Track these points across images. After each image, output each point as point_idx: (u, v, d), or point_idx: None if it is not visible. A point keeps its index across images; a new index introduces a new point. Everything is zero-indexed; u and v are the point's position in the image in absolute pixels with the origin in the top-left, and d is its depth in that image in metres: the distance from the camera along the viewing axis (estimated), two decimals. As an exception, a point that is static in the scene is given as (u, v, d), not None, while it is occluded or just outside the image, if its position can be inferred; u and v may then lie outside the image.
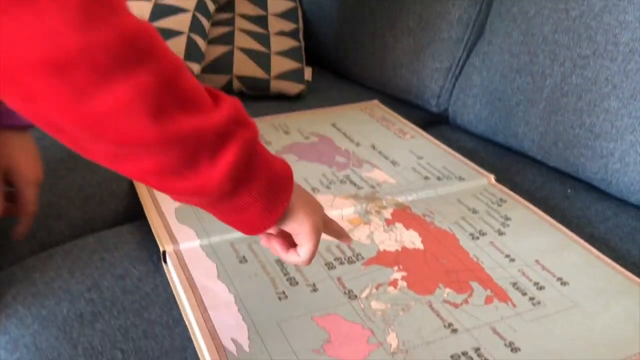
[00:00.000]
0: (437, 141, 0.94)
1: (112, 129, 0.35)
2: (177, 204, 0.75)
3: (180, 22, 1.01)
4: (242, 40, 1.12)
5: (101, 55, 0.33)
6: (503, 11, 0.95)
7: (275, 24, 1.19)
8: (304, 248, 0.50)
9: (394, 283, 0.63)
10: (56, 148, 0.89)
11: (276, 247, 0.52)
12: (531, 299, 0.61)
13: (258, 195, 0.44)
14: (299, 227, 0.49)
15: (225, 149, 0.40)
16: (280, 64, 1.11)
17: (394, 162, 0.87)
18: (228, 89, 1.09)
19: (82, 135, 0.36)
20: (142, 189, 0.78)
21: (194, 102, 0.38)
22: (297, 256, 0.51)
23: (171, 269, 0.64)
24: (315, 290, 0.62)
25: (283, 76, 1.10)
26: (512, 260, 0.67)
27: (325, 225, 0.53)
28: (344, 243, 0.61)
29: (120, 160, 0.38)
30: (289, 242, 0.52)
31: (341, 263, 0.66)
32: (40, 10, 0.31)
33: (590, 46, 0.82)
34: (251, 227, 0.47)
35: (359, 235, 0.71)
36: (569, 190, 0.85)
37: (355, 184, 0.81)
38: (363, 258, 0.67)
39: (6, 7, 0.31)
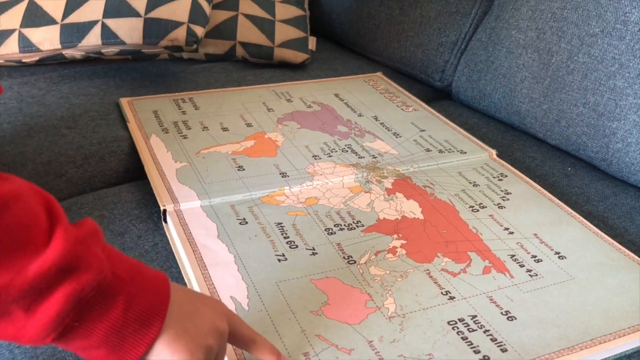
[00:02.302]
0: (439, 115, 0.94)
1: None
2: (178, 165, 0.75)
3: (185, -16, 1.00)
4: (246, 7, 1.10)
5: None
6: (512, -14, 0.94)
7: (281, -8, 1.18)
8: None
9: (393, 250, 0.63)
10: (57, 106, 0.89)
11: None
12: (528, 270, 0.62)
13: (98, 342, 0.38)
14: None
15: (45, 301, 0.35)
16: (284, 32, 1.10)
17: (396, 134, 0.87)
18: (231, 54, 1.08)
19: None
20: (143, 150, 0.78)
21: (7, 252, 0.34)
22: None
23: (171, 227, 0.64)
24: (314, 254, 0.62)
25: (287, 44, 1.09)
26: (511, 233, 0.67)
27: (234, 335, 0.46)
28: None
29: None
30: None
31: (341, 229, 0.66)
32: None
33: (599, 24, 0.81)
34: None
35: (359, 203, 0.71)
36: (569, 168, 0.85)
37: (356, 153, 0.81)
38: (363, 225, 0.67)
39: None
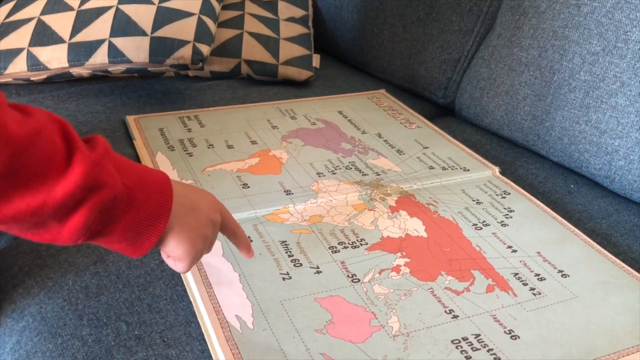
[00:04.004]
0: (443, 132, 0.94)
1: None
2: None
3: (191, 3, 1.01)
4: (251, 25, 1.12)
5: None
6: (514, 4, 0.95)
7: (285, 10, 1.19)
8: (178, 265, 0.51)
9: (396, 269, 0.64)
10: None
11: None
12: (532, 289, 0.62)
13: (119, 239, 0.46)
14: (170, 250, 0.49)
15: (74, 214, 0.42)
16: (288, 50, 1.11)
17: (399, 151, 0.88)
18: (236, 72, 1.10)
19: None
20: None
21: (38, 178, 0.39)
22: (174, 265, 0.52)
23: (177, 246, 0.64)
24: (319, 272, 0.62)
25: (291, 62, 1.10)
26: (514, 251, 0.68)
27: (223, 226, 0.55)
28: (240, 252, 0.59)
29: None
30: None
31: (345, 247, 0.66)
32: None
33: (600, 43, 0.82)
34: (126, 255, 0.48)
35: (363, 220, 0.71)
36: (572, 186, 0.85)
37: (360, 171, 0.82)
38: (367, 243, 0.67)
39: None
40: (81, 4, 1.00)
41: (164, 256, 0.52)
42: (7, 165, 0.38)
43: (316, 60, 1.18)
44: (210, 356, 0.52)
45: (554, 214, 0.75)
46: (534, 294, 0.61)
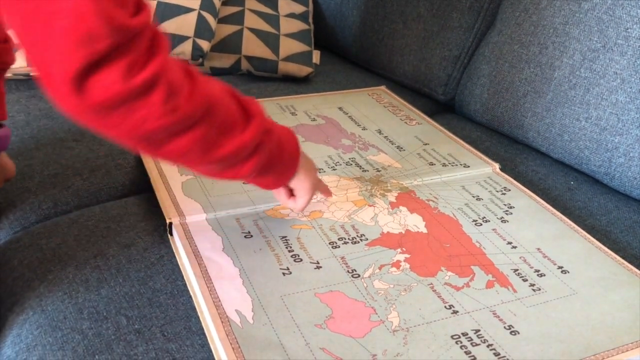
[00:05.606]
0: (443, 129, 0.94)
1: (178, 162, 0.53)
2: (183, 178, 0.75)
3: (191, -2, 1.01)
4: (251, 21, 1.12)
5: (177, 126, 0.47)
6: (515, 1, 0.95)
7: (285, 6, 1.19)
8: (301, 200, 0.65)
9: (396, 264, 0.64)
10: (64, 119, 0.90)
11: (282, 193, 0.65)
12: (531, 285, 0.62)
13: (272, 172, 0.59)
14: (300, 184, 0.63)
15: (255, 155, 0.54)
16: (288, 46, 1.11)
17: (399, 147, 0.88)
18: (236, 68, 1.09)
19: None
20: (149, 163, 0.79)
21: (232, 127, 0.51)
22: (294, 204, 0.65)
23: (177, 240, 0.64)
24: (319, 267, 0.62)
25: (291, 58, 1.10)
26: (514, 247, 0.68)
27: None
28: (325, 196, 0.72)
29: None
30: (291, 191, 0.66)
31: (345, 243, 0.66)
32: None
33: (600, 39, 0.82)
34: (265, 188, 0.63)
35: (363, 216, 0.71)
36: (571, 182, 0.85)
37: (360, 167, 0.82)
38: (367, 239, 0.67)
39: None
40: (81, -1, 1.00)
41: (282, 199, 0.66)
42: (218, 120, 0.49)
43: (316, 56, 1.18)
44: (210, 351, 0.53)
45: (554, 210, 0.75)
46: (533, 290, 0.61)
